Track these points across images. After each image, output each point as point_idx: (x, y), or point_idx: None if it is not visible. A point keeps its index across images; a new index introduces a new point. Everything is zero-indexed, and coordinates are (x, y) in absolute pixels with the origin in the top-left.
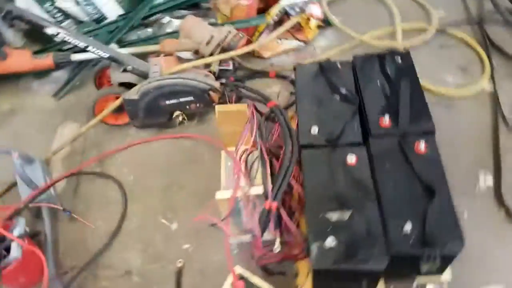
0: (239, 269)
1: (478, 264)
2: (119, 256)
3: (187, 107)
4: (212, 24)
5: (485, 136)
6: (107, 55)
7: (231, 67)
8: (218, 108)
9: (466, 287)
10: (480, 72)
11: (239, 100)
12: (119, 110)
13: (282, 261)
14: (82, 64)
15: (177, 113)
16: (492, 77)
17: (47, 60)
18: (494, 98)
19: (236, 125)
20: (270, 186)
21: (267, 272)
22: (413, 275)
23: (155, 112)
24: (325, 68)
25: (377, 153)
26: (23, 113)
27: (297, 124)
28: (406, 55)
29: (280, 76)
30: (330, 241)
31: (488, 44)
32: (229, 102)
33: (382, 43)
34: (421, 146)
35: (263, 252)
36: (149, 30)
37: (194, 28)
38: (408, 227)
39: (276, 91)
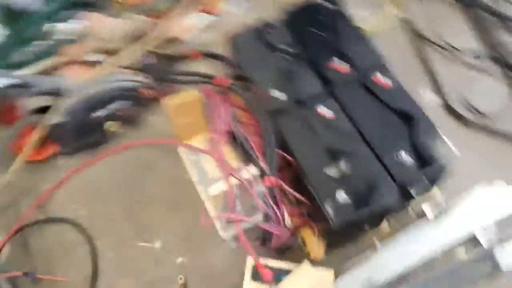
0: (251, 260)
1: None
2: None
3: (118, 113)
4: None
5: (411, 57)
6: (8, 83)
7: (155, 61)
8: (168, 101)
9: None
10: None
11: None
12: (40, 142)
13: (293, 235)
14: None
15: (108, 123)
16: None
17: None
18: (408, 21)
19: (191, 116)
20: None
21: (279, 251)
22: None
23: (86, 130)
24: (261, 31)
25: (346, 98)
26: None
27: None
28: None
29: (207, 55)
30: (341, 195)
31: None
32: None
33: None
34: (382, 80)
35: (279, 232)
36: (42, 43)
37: (99, 25)
38: (403, 155)
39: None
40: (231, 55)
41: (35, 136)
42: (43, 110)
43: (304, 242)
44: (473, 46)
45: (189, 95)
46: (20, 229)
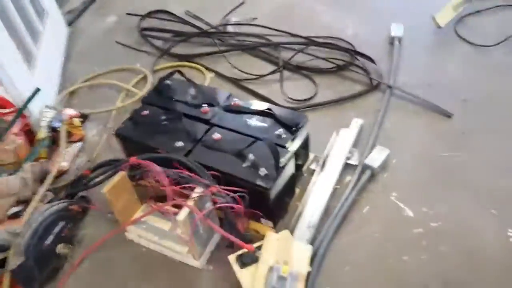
0: (231, 256)
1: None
2: None
3: (63, 234)
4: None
5: None
6: None
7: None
8: (105, 189)
9: None
10: None
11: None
12: None
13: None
14: None
15: (59, 246)
16: None
17: None
18: None
19: (125, 193)
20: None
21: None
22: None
23: (45, 260)
24: (137, 117)
25: (223, 122)
26: None
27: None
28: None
29: (96, 168)
30: (261, 171)
31: None
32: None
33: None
34: (238, 102)
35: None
36: None
37: (2, 185)
38: (277, 132)
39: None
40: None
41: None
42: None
43: (257, 231)
44: None
45: (116, 177)
46: None
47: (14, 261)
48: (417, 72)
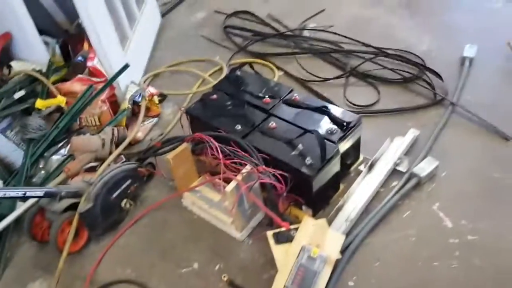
0: (269, 232)
1: None
2: None
3: (129, 191)
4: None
5: None
6: (42, 192)
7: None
8: (169, 156)
9: None
10: None
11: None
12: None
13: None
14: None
15: (124, 201)
16: None
17: None
18: None
19: (186, 163)
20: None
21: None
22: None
23: (110, 210)
24: (206, 100)
25: (281, 113)
26: None
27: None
28: (235, 69)
29: (165, 142)
30: (307, 160)
31: None
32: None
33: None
34: (297, 97)
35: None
36: (42, 172)
37: (84, 142)
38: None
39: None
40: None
41: (72, 228)
42: (71, 208)
43: (296, 217)
44: None
45: (180, 147)
46: None
47: (84, 205)
48: (482, 93)
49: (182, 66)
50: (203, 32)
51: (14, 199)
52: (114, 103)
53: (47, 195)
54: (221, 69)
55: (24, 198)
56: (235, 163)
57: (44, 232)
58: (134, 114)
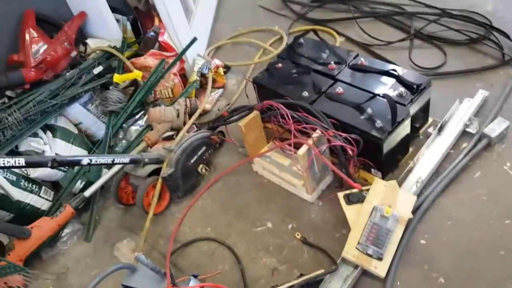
0: (340, 194)
1: None
2: None
3: (204, 157)
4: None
5: None
6: (128, 160)
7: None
8: (241, 123)
9: None
10: None
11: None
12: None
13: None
14: (90, 201)
15: (201, 166)
16: None
17: (67, 211)
18: None
19: (256, 130)
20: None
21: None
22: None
23: (189, 174)
24: (271, 69)
25: (348, 78)
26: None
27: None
28: (299, 37)
29: (232, 111)
30: (377, 123)
31: None
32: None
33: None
34: (364, 62)
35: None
36: (123, 142)
37: (161, 113)
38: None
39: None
40: (255, 93)
41: (156, 191)
42: (153, 173)
43: (366, 180)
44: None
45: (251, 114)
46: (171, 254)
47: (166, 170)
48: None
49: (242, 37)
50: (260, 1)
51: (102, 165)
52: (183, 76)
53: (132, 161)
54: (281, 38)
55: (112, 165)
56: (305, 128)
57: (129, 196)
58: (202, 86)
